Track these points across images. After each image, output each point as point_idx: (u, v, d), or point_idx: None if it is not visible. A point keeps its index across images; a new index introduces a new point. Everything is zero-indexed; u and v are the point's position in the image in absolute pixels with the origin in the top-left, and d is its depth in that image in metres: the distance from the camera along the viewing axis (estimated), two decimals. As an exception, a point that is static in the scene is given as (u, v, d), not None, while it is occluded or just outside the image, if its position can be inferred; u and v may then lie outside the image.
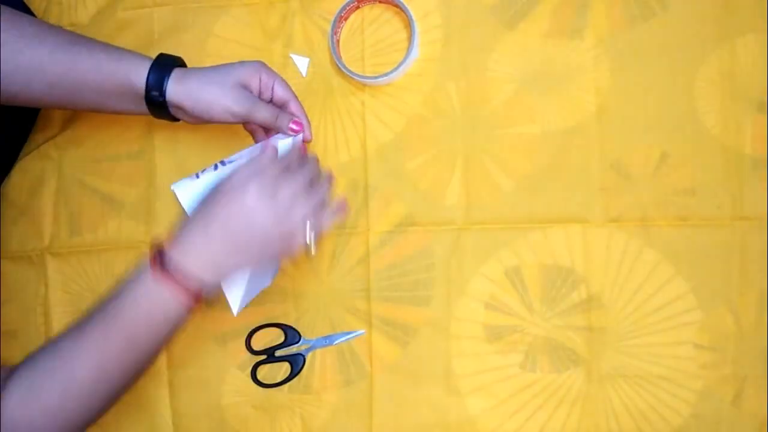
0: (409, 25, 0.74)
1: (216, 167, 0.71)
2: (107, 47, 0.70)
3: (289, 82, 0.77)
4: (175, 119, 0.71)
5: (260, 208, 0.59)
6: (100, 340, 0.58)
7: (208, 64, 0.79)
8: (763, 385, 0.67)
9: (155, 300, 0.59)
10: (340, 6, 0.76)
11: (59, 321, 0.80)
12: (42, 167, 0.82)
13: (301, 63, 0.78)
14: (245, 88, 0.68)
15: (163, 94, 0.67)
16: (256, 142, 0.72)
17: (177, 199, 0.70)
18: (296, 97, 0.71)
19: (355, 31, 0.77)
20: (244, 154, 0.71)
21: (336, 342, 0.74)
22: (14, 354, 0.80)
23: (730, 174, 0.69)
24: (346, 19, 0.77)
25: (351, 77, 0.75)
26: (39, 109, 0.83)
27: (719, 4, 0.71)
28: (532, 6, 0.74)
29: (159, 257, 0.58)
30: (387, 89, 0.76)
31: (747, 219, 0.69)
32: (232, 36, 0.80)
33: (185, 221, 0.61)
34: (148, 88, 0.67)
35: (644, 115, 0.71)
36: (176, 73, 0.68)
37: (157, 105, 0.68)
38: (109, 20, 0.82)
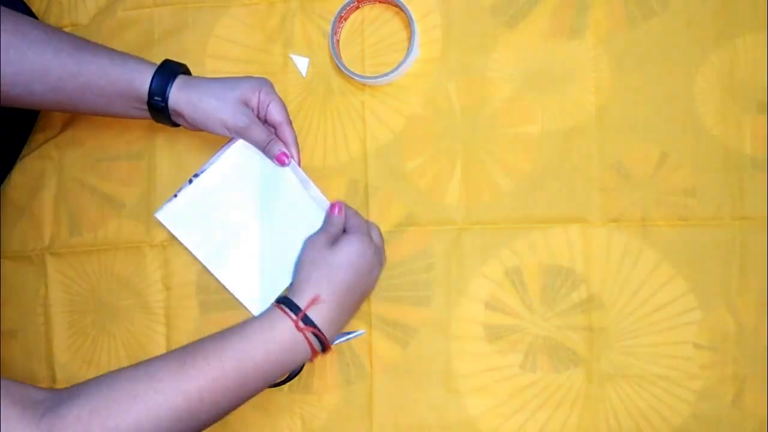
0: (409, 25, 0.74)
1: (191, 182, 0.73)
2: (111, 52, 0.70)
3: (289, 83, 0.78)
4: (175, 125, 0.72)
5: (376, 271, 0.68)
6: (213, 370, 0.59)
7: (208, 65, 0.80)
8: (763, 385, 0.67)
9: (287, 348, 0.62)
10: (340, 6, 0.76)
11: (59, 321, 0.80)
12: (42, 167, 0.82)
13: (301, 63, 0.78)
14: (245, 104, 0.70)
15: (165, 99, 0.68)
16: None
17: (162, 225, 0.71)
18: (290, 122, 0.72)
19: (355, 31, 0.77)
20: (213, 160, 0.72)
21: (336, 342, 0.74)
22: (14, 354, 0.80)
23: (730, 174, 0.69)
24: (346, 19, 0.77)
25: (351, 77, 0.75)
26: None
27: (719, 4, 0.71)
28: (532, 6, 0.74)
29: (299, 313, 0.62)
30: (387, 89, 0.76)
31: (747, 219, 0.69)
32: (233, 36, 0.80)
33: (307, 281, 0.65)
34: (151, 93, 0.68)
35: (644, 115, 0.71)
36: (180, 80, 0.69)
37: (158, 110, 0.69)
38: (109, 20, 0.82)
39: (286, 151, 0.71)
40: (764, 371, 0.67)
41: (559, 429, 0.70)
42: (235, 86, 0.70)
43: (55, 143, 0.82)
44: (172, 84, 0.68)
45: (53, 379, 0.79)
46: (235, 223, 0.73)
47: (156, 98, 0.68)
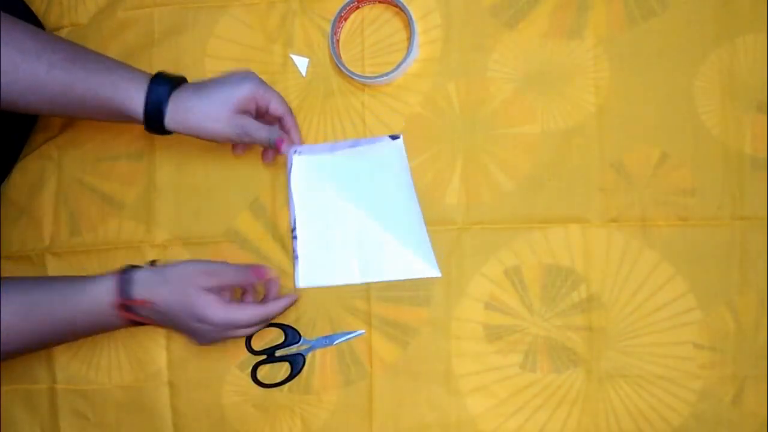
0: (408, 25, 0.74)
1: (332, 148, 0.76)
2: (105, 66, 0.70)
3: (289, 83, 0.78)
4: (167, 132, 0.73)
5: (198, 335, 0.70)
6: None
7: (208, 64, 0.79)
8: (763, 385, 0.67)
9: (102, 311, 0.69)
10: (340, 6, 0.76)
11: (59, 321, 0.80)
12: (42, 167, 0.82)
13: (301, 63, 0.78)
14: (242, 113, 0.71)
15: (161, 123, 0.69)
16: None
17: (288, 161, 0.75)
18: (290, 111, 0.74)
19: (355, 31, 0.77)
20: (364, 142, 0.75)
21: (336, 342, 0.74)
22: (14, 354, 0.80)
23: (730, 174, 0.69)
24: (346, 19, 0.77)
25: (351, 77, 0.75)
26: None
27: (719, 4, 0.71)
28: (532, 6, 0.74)
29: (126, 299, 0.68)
30: (387, 89, 0.76)
31: (747, 219, 0.69)
32: (233, 36, 0.80)
33: (153, 277, 0.69)
34: (147, 119, 0.69)
35: (644, 115, 0.71)
36: (174, 102, 0.69)
37: (154, 128, 0.70)
38: (109, 20, 0.82)
39: (280, 138, 0.72)
40: (764, 371, 0.67)
41: (559, 429, 0.70)
42: (229, 98, 0.70)
43: (55, 143, 0.82)
44: (166, 108, 0.69)
45: (53, 379, 0.79)
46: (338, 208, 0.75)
47: (152, 123, 0.69)
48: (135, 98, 0.68)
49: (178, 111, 0.69)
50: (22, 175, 0.83)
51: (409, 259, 0.73)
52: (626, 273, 0.70)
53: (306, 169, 0.75)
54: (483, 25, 0.75)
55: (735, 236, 0.69)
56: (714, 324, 0.68)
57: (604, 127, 0.72)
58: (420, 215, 0.73)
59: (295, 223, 0.74)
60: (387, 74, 0.74)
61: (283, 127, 0.74)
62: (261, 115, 0.73)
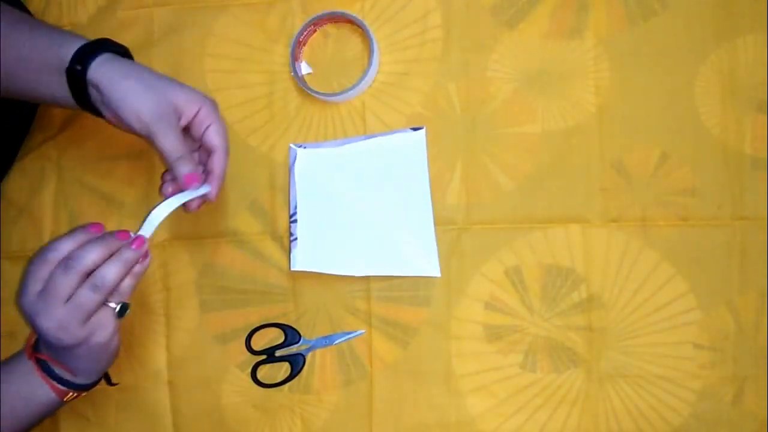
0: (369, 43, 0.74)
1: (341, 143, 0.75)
2: (52, 28, 0.67)
3: (289, 82, 0.78)
4: (98, 112, 0.67)
5: (56, 327, 0.59)
6: None
7: (207, 64, 0.79)
8: (763, 385, 0.67)
9: (35, 389, 0.66)
10: (296, 32, 0.76)
11: (59, 321, 0.80)
12: (42, 167, 0.82)
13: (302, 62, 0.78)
14: (174, 109, 0.64)
15: (85, 68, 0.62)
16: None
17: (291, 157, 0.74)
18: (227, 151, 0.67)
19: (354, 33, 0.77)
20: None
21: (336, 342, 0.74)
22: (14, 354, 0.80)
23: (730, 174, 0.69)
24: (305, 44, 0.77)
25: (311, 94, 0.75)
26: (37, 108, 0.83)
27: (719, 4, 0.71)
28: (532, 6, 0.74)
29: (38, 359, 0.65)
30: (387, 89, 0.76)
31: (747, 219, 0.69)
32: (232, 36, 0.80)
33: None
34: (72, 61, 0.62)
35: (644, 115, 0.71)
36: (111, 55, 0.64)
37: (76, 81, 0.63)
38: (109, 20, 0.82)
39: (196, 174, 0.64)
40: (764, 371, 0.67)
41: (559, 429, 0.70)
42: (172, 86, 0.64)
43: (54, 143, 0.82)
44: (98, 56, 0.62)
45: (53, 379, 0.79)
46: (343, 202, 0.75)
47: (76, 66, 0.62)
48: (74, 43, 0.63)
49: (112, 60, 0.63)
50: (21, 175, 0.83)
51: (413, 254, 0.73)
52: (626, 273, 0.70)
53: (311, 161, 0.75)
54: (483, 25, 0.75)
55: (735, 236, 0.69)
56: (714, 324, 0.69)
57: (604, 127, 0.72)
58: (430, 211, 0.73)
59: (296, 208, 0.74)
60: (345, 91, 0.73)
61: (209, 164, 0.67)
62: (195, 134, 0.66)
